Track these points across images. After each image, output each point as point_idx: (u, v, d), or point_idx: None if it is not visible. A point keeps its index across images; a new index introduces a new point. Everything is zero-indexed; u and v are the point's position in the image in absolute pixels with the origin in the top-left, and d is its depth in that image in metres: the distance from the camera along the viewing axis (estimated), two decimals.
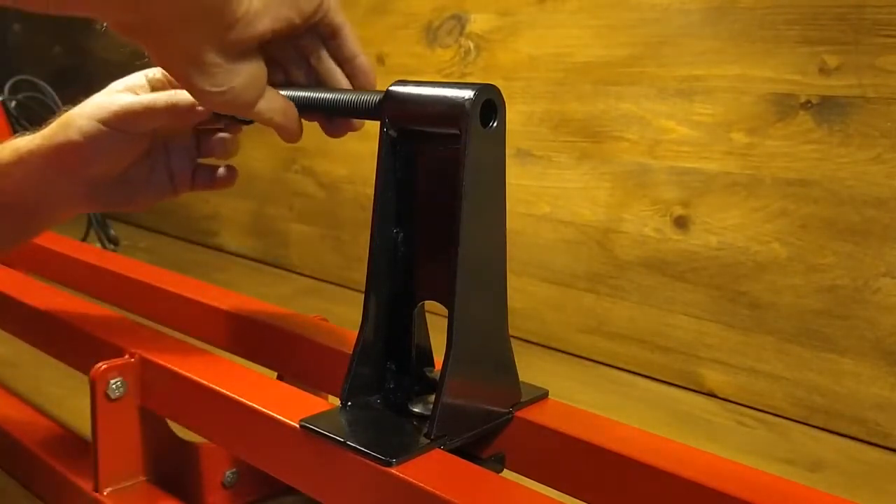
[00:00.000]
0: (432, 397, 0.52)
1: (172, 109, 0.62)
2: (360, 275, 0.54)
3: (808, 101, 0.90)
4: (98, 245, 1.55)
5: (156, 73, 0.66)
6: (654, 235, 1.03)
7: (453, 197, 0.50)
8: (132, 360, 0.65)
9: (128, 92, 0.64)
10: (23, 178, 0.65)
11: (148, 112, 0.62)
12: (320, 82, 0.62)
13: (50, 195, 0.66)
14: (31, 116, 1.52)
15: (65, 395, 0.90)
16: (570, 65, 1.09)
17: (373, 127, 0.55)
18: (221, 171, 0.70)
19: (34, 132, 0.65)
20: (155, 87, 0.65)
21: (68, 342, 0.74)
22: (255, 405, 0.55)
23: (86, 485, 0.66)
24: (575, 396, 0.64)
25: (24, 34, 2.21)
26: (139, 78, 0.66)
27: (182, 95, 0.61)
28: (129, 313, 0.80)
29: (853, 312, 0.88)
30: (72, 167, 0.64)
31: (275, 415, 0.54)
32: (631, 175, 1.05)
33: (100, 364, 0.63)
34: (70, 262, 0.93)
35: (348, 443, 0.49)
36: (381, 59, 1.31)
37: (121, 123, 0.62)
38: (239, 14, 0.49)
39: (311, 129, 0.62)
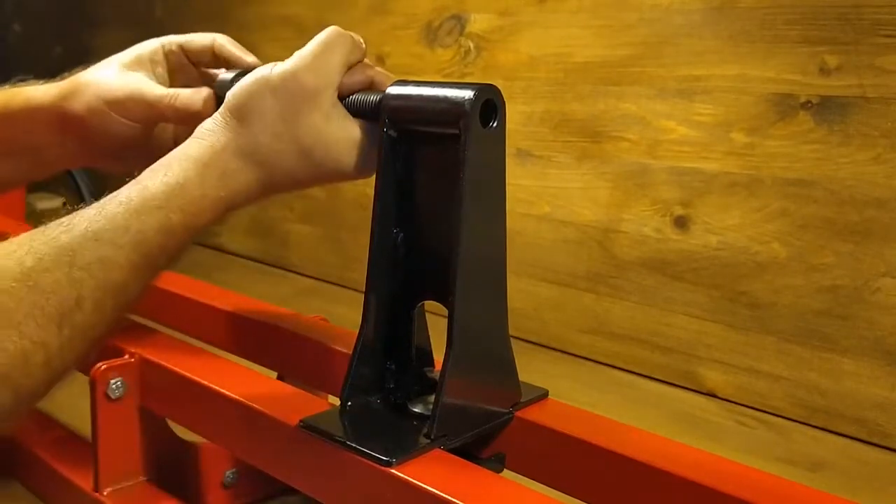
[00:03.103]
0: (432, 397, 0.52)
1: (178, 114, 0.61)
2: (360, 275, 0.54)
3: (808, 101, 0.90)
4: None
5: (171, 44, 0.65)
6: (654, 235, 1.03)
7: (453, 197, 0.50)
8: (132, 360, 0.65)
9: (141, 70, 0.63)
10: (31, 129, 0.65)
11: (154, 111, 0.62)
12: None
13: (56, 148, 0.66)
14: None
15: (65, 396, 0.90)
16: (570, 65, 1.09)
17: None
18: None
19: (46, 82, 0.65)
20: (171, 59, 0.65)
21: None
22: (254, 405, 0.55)
23: (86, 485, 0.66)
24: (575, 396, 0.64)
25: (24, 34, 2.21)
26: (154, 49, 0.65)
27: (192, 100, 0.61)
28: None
29: (853, 312, 0.88)
30: (76, 133, 0.64)
31: (274, 415, 0.54)
32: (631, 175, 1.05)
33: (100, 364, 0.63)
34: None
35: (348, 443, 0.49)
36: (381, 59, 1.31)
37: (125, 112, 0.62)
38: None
39: None
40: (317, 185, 0.58)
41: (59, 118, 0.63)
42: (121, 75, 0.63)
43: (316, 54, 0.54)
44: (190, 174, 0.51)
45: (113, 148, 0.64)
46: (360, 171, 0.56)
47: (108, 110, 0.62)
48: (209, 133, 0.54)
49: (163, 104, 0.61)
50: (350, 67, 0.56)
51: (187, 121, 0.61)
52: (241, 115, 0.53)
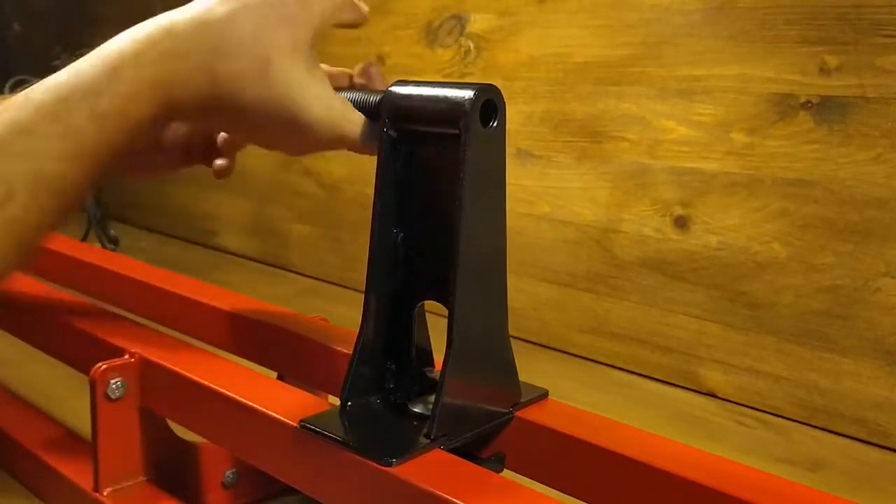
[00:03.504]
0: (432, 397, 0.52)
1: None
2: (360, 275, 0.54)
3: (808, 101, 0.90)
4: (98, 245, 1.55)
5: None
6: (654, 235, 1.03)
7: (453, 197, 0.50)
8: (132, 360, 0.65)
9: None
10: None
11: None
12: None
13: None
14: None
15: (65, 395, 0.90)
16: (570, 65, 1.09)
17: None
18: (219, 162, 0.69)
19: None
20: None
21: (68, 342, 0.74)
22: (254, 405, 0.55)
23: (86, 485, 0.66)
24: (575, 396, 0.64)
25: (24, 34, 2.21)
26: None
27: None
28: (129, 313, 0.80)
29: (853, 312, 0.88)
30: None
31: (274, 415, 0.54)
32: (631, 175, 1.05)
33: (100, 364, 0.63)
34: (70, 262, 0.93)
35: (348, 443, 0.49)
36: (381, 59, 1.31)
37: None
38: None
39: None
40: (265, 131, 0.53)
41: None
42: None
43: None
44: (127, 52, 0.47)
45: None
46: (297, 119, 0.52)
47: None
48: (173, 11, 0.50)
49: None
50: (342, 25, 0.55)
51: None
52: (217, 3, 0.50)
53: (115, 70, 0.47)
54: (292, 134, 0.53)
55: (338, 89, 0.60)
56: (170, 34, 0.49)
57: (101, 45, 0.49)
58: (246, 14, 0.50)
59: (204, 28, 0.49)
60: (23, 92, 0.46)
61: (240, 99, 0.50)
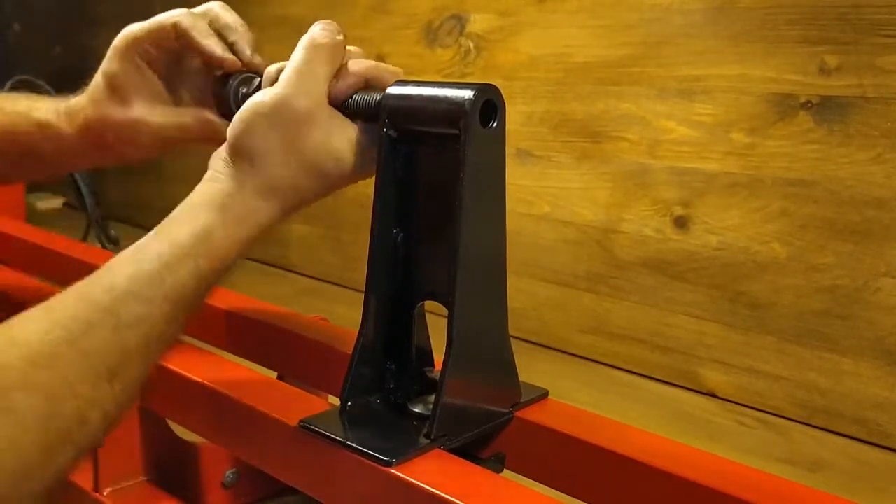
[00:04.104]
0: (432, 397, 0.52)
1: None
2: (360, 275, 0.54)
3: (808, 101, 0.90)
4: (98, 245, 1.55)
5: (134, 37, 0.67)
6: (654, 235, 1.03)
7: (453, 197, 0.50)
8: None
9: (133, 83, 0.66)
10: (62, 156, 0.69)
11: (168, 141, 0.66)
12: None
13: (83, 164, 0.71)
14: None
15: None
16: (570, 65, 1.09)
17: None
18: None
19: (48, 93, 0.68)
20: (151, 53, 0.67)
21: None
22: (254, 405, 0.55)
23: (86, 485, 0.66)
24: (575, 396, 0.64)
25: (24, 34, 2.21)
26: (128, 53, 0.67)
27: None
28: None
29: (853, 312, 0.88)
30: (104, 155, 0.68)
31: (274, 415, 0.53)
32: (631, 175, 1.05)
33: None
34: (70, 262, 0.93)
35: (348, 443, 0.49)
36: (381, 60, 1.31)
37: (139, 143, 0.66)
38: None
39: None
40: (331, 193, 0.58)
41: (90, 149, 0.67)
42: (122, 109, 0.66)
43: (301, 74, 0.54)
44: (215, 221, 0.53)
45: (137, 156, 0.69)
46: (361, 171, 0.56)
47: (130, 141, 0.66)
48: (222, 177, 0.55)
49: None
50: (338, 70, 0.56)
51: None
52: (246, 154, 0.54)
53: (207, 235, 0.52)
54: (344, 182, 0.57)
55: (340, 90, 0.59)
56: (241, 199, 0.53)
57: (186, 210, 0.53)
58: (275, 144, 0.53)
59: (259, 179, 0.54)
60: (127, 258, 0.51)
61: (311, 201, 0.56)
